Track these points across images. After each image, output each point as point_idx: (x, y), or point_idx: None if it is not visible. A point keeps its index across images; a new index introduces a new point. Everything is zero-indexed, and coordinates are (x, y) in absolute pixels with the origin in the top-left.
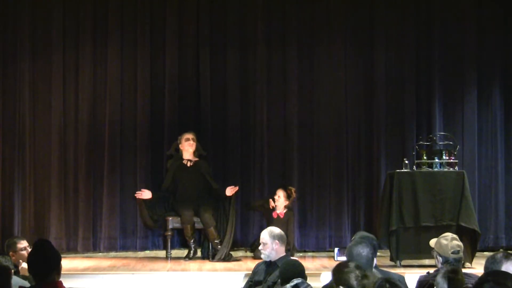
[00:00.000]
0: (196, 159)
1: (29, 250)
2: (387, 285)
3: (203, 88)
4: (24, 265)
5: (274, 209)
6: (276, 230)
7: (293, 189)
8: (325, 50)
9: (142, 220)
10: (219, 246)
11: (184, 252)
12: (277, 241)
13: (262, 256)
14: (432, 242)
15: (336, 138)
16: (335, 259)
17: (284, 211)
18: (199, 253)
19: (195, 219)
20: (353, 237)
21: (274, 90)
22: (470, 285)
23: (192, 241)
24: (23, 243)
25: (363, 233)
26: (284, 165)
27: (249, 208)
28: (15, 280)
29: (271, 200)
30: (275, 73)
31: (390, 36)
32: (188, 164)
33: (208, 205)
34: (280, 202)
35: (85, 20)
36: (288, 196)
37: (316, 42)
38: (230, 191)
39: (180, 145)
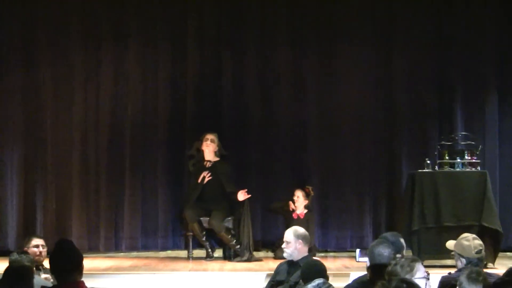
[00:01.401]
0: (217, 159)
1: (43, 250)
2: (404, 285)
3: (224, 88)
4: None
5: (293, 210)
6: (301, 230)
7: (310, 188)
8: (345, 50)
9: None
10: (237, 247)
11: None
12: (300, 240)
13: (284, 254)
14: (450, 244)
15: (357, 138)
16: (357, 260)
17: (304, 211)
18: (219, 253)
19: (203, 219)
20: (379, 237)
21: (294, 90)
22: None
23: (204, 240)
24: (37, 241)
25: (390, 233)
26: (305, 165)
27: (269, 210)
28: (37, 279)
29: (290, 202)
30: (295, 73)
31: (411, 35)
32: (207, 165)
33: (219, 210)
34: (299, 202)
35: (106, 19)
36: (307, 195)
37: (336, 42)
38: (242, 196)
39: (201, 146)
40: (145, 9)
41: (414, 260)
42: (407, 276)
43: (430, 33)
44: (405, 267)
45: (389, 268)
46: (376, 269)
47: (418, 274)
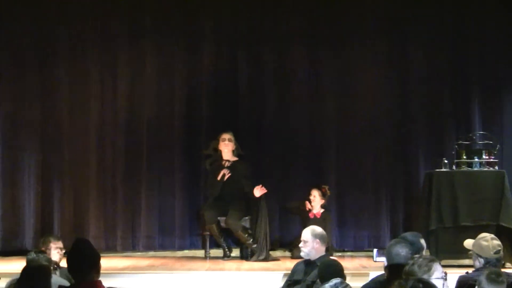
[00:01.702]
0: (235, 159)
1: (62, 252)
2: (421, 285)
3: (240, 87)
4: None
5: (310, 210)
6: (318, 229)
7: (327, 187)
8: (362, 49)
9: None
10: (253, 246)
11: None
12: (318, 240)
13: (301, 254)
14: (468, 243)
15: (374, 137)
16: (374, 259)
17: (321, 211)
18: (236, 252)
19: (220, 218)
20: (399, 237)
21: (310, 89)
22: None
23: (222, 240)
24: (58, 244)
25: (410, 233)
26: (321, 165)
27: (284, 209)
28: (55, 278)
29: (307, 202)
30: (311, 72)
31: (427, 33)
32: (226, 165)
33: (236, 209)
34: (316, 201)
35: (122, 19)
36: (323, 195)
37: (353, 40)
38: (258, 192)
39: (218, 145)
40: (161, 8)
41: (432, 260)
42: (425, 276)
43: (447, 32)
44: (422, 266)
45: (407, 267)
46: (394, 269)
47: (436, 274)
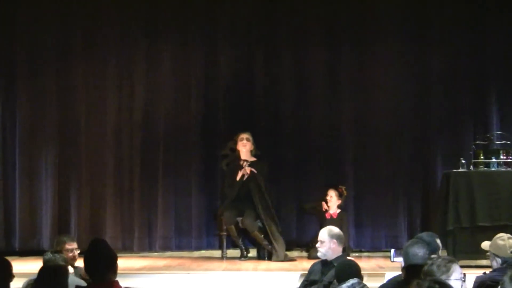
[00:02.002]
0: (254, 159)
1: (76, 253)
2: (437, 286)
3: (257, 88)
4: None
5: (326, 210)
6: (335, 229)
7: (343, 187)
8: (380, 49)
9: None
10: (269, 247)
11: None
12: (335, 240)
13: (318, 254)
14: (485, 245)
15: (391, 138)
16: (391, 260)
17: (338, 211)
18: (253, 253)
19: (239, 219)
20: (415, 237)
21: (328, 89)
22: None
23: (240, 241)
24: (72, 245)
25: (426, 233)
26: (339, 165)
27: (301, 210)
28: (72, 278)
29: (323, 202)
30: (329, 72)
31: (445, 33)
32: (244, 165)
33: (253, 209)
34: (332, 202)
35: (139, 20)
36: (340, 195)
37: (370, 40)
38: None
39: (236, 145)
40: (178, 8)
41: (451, 261)
42: (443, 277)
43: (465, 31)
44: (441, 267)
45: (426, 267)
46: (411, 270)
47: (454, 275)
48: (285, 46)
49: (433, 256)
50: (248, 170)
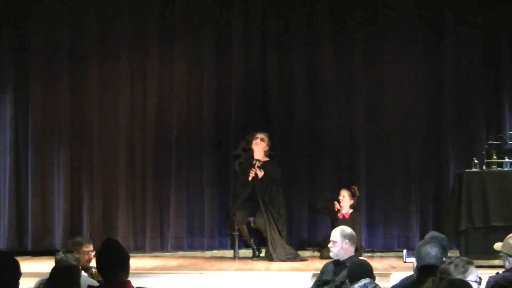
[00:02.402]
0: (266, 159)
1: (92, 255)
2: (457, 282)
3: (270, 87)
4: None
5: (339, 210)
6: (348, 229)
7: (356, 187)
8: (392, 49)
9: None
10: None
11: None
12: (347, 240)
13: (330, 254)
14: (498, 246)
15: (404, 138)
16: (404, 260)
17: (350, 211)
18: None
19: (251, 219)
20: (424, 237)
21: (341, 89)
22: None
23: (252, 240)
24: (89, 247)
25: (433, 233)
26: (351, 165)
27: (313, 209)
28: (84, 278)
29: (336, 202)
30: (341, 72)
31: (458, 33)
32: (257, 165)
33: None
34: (345, 202)
35: (152, 20)
36: (352, 195)
37: (383, 41)
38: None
39: (249, 145)
40: (191, 7)
41: (469, 263)
42: (459, 277)
43: (478, 32)
44: (459, 267)
45: (443, 266)
46: (424, 270)
47: (471, 277)
48: (298, 46)
49: (450, 256)
50: (254, 171)
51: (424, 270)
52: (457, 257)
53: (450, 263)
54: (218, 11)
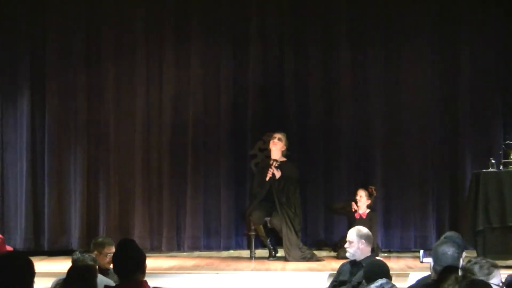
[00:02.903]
0: (284, 159)
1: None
2: (476, 283)
3: (286, 87)
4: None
5: (356, 210)
6: (364, 229)
7: (373, 188)
8: (409, 49)
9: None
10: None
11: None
12: (363, 240)
13: (347, 254)
14: None
15: (420, 137)
16: (421, 260)
17: (367, 211)
18: (282, 253)
19: (267, 219)
20: (440, 237)
21: (357, 89)
22: None
23: (268, 240)
24: (111, 249)
25: (449, 233)
26: (368, 165)
27: (330, 210)
28: (101, 278)
29: (353, 203)
30: (358, 72)
31: (475, 32)
32: (274, 165)
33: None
34: (362, 202)
35: (168, 20)
36: (370, 195)
37: (399, 40)
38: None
39: (266, 145)
40: (207, 7)
41: (493, 265)
42: (482, 278)
43: (494, 31)
44: (484, 269)
45: (468, 265)
46: (444, 271)
47: (494, 280)
48: (314, 46)
49: (475, 257)
50: (272, 171)
51: (444, 271)
52: (483, 259)
53: (475, 263)
54: (234, 11)
